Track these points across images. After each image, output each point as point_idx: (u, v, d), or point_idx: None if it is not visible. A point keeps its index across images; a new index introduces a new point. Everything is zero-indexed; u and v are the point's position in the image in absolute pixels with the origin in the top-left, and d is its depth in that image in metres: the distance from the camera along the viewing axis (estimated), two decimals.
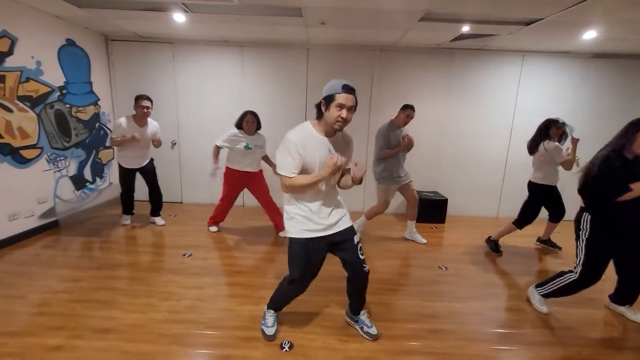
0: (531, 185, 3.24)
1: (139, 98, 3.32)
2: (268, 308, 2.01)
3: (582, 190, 2.10)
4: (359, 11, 2.91)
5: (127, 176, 3.59)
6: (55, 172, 3.58)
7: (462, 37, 3.63)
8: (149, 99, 3.37)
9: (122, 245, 3.28)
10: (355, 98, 1.61)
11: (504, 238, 3.46)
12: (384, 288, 2.59)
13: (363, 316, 2.02)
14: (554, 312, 2.32)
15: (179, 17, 3.29)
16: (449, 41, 3.86)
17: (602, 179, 1.97)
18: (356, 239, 1.83)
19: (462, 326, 2.15)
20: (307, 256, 1.76)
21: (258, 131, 3.41)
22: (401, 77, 4.35)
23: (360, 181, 1.75)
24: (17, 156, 3.13)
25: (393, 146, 3.23)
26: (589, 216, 2.07)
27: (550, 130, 3.08)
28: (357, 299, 1.99)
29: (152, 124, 3.52)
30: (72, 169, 3.83)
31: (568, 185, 3.20)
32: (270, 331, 1.93)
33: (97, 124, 4.20)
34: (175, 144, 4.60)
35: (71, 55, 3.74)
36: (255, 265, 2.97)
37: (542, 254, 3.43)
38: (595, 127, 4.20)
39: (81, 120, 3.92)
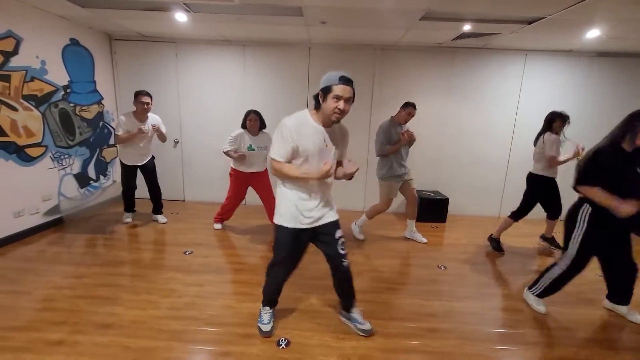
0: (530, 177, 3.26)
1: (138, 94, 3.35)
2: (263, 305, 2.04)
3: (576, 182, 2.09)
4: (358, 10, 2.91)
5: (128, 173, 3.62)
6: (59, 170, 3.64)
7: (464, 36, 3.62)
8: (148, 94, 3.39)
9: (125, 242, 3.32)
10: (353, 89, 1.61)
11: (504, 238, 3.45)
12: (382, 287, 2.61)
13: (355, 313, 2.04)
14: (552, 313, 2.32)
15: (180, 17, 3.32)
16: (450, 40, 3.84)
17: (588, 174, 2.00)
18: (338, 233, 1.85)
19: (460, 325, 2.15)
20: (292, 244, 1.82)
21: (263, 130, 3.42)
22: (402, 76, 4.34)
23: (350, 177, 1.79)
24: (22, 154, 3.18)
25: (394, 142, 3.23)
26: (590, 209, 2.04)
27: (555, 123, 3.08)
28: (344, 295, 2.02)
29: (153, 119, 3.53)
30: (76, 167, 3.89)
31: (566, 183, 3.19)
32: (266, 328, 1.95)
33: (101, 123, 4.24)
34: (177, 142, 4.64)
35: (75, 54, 3.78)
36: (256, 263, 3.00)
37: (542, 254, 3.41)
38: (598, 126, 4.13)
39: (85, 119, 3.97)
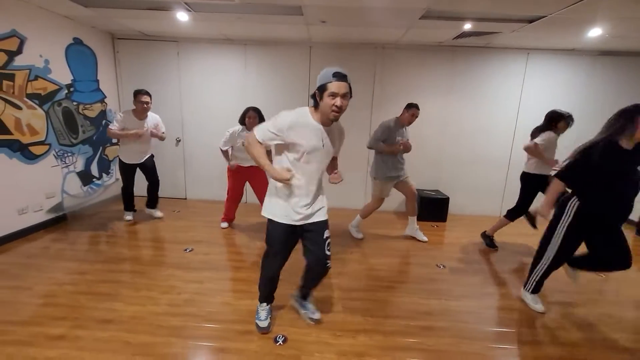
0: (524, 176, 3.24)
1: (137, 93, 3.36)
2: (260, 302, 2.06)
3: (562, 175, 2.11)
4: (358, 10, 2.92)
5: (127, 171, 3.65)
6: (63, 168, 3.68)
7: (465, 34, 3.61)
8: (147, 93, 3.41)
9: (127, 239, 3.36)
10: (349, 84, 1.60)
11: (504, 238, 3.45)
12: (380, 285, 2.62)
13: (310, 302, 2.12)
14: (550, 312, 2.32)
15: (182, 16, 3.34)
16: (451, 39, 3.83)
17: (573, 169, 2.04)
18: (326, 234, 1.86)
19: (456, 324, 2.16)
20: (283, 238, 1.84)
21: None
22: (403, 75, 4.34)
23: (334, 183, 1.87)
24: (26, 152, 3.22)
25: (390, 144, 3.23)
26: (577, 203, 2.06)
27: (560, 123, 3.05)
28: (309, 286, 2.06)
29: (153, 118, 3.56)
30: (80, 165, 3.93)
31: None
32: (263, 324, 1.97)
33: (104, 121, 4.28)
34: (179, 141, 4.67)
35: (78, 53, 3.82)
36: (255, 261, 3.02)
37: None
38: (601, 125, 4.12)
39: (88, 118, 4.02)
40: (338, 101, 1.57)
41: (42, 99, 3.36)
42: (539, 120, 3.29)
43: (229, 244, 3.37)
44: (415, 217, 3.60)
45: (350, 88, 1.62)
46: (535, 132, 3.19)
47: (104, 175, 4.37)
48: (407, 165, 3.45)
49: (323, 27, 3.53)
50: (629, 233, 3.63)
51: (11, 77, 3.03)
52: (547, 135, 3.03)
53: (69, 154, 3.76)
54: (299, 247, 1.93)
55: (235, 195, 3.65)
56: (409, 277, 2.84)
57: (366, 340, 1.96)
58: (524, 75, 4.27)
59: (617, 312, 2.37)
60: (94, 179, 4.19)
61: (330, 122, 1.69)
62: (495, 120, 4.41)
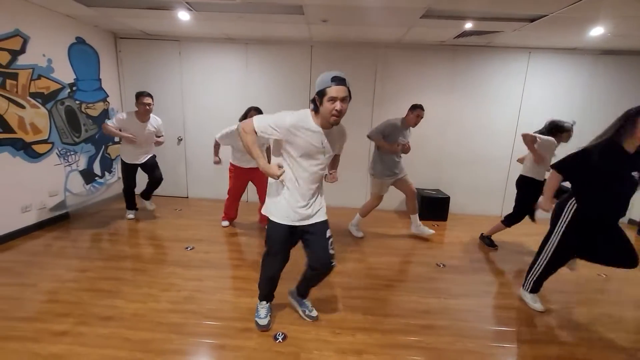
0: (520, 180, 3.21)
1: (139, 95, 3.37)
2: (260, 300, 2.08)
3: (558, 165, 2.11)
4: (358, 9, 2.92)
5: (128, 171, 3.68)
6: (65, 166, 3.72)
7: (466, 34, 3.60)
8: (149, 95, 3.42)
9: (128, 237, 3.39)
10: (347, 88, 1.61)
11: (504, 237, 3.45)
12: (380, 284, 2.63)
13: (308, 300, 2.13)
14: (549, 311, 2.33)
15: (183, 16, 3.36)
16: (452, 38, 3.83)
17: (568, 164, 2.05)
18: (328, 233, 1.87)
19: (456, 322, 2.17)
20: (284, 238, 1.85)
21: None
22: (405, 74, 4.33)
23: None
24: (29, 151, 3.26)
25: (391, 142, 3.23)
26: (575, 205, 2.06)
27: (563, 134, 3.01)
28: (309, 285, 2.07)
29: (155, 120, 3.58)
30: (82, 164, 3.97)
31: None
32: (263, 322, 1.99)
33: (106, 120, 4.30)
34: (181, 139, 4.70)
35: (81, 52, 3.85)
36: (255, 259, 3.03)
37: None
38: (604, 125, 4.10)
39: (91, 116, 4.05)
40: (338, 105, 1.59)
41: (45, 98, 3.39)
42: (541, 119, 3.27)
43: (229, 243, 3.39)
44: (417, 215, 3.60)
45: (349, 91, 1.63)
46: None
47: (106, 173, 4.41)
48: (407, 164, 3.46)
49: (324, 26, 3.53)
50: (631, 233, 3.62)
51: (15, 76, 3.06)
52: (547, 138, 2.99)
53: (72, 153, 3.79)
54: (299, 245, 1.95)
55: (235, 195, 3.67)
56: (409, 276, 2.85)
57: (365, 338, 1.97)
58: (525, 74, 4.26)
59: (616, 312, 2.37)
60: (96, 178, 4.22)
61: (330, 125, 1.70)
62: (496, 120, 4.40)
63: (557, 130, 3.00)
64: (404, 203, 3.74)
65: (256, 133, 1.72)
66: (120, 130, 3.41)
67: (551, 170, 2.15)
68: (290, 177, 1.77)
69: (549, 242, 2.20)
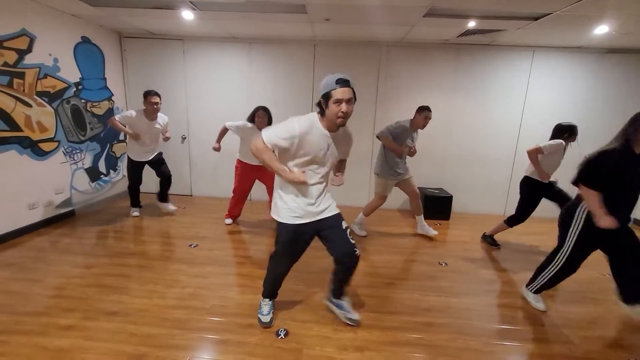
0: (525, 181, 3.18)
1: (147, 94, 3.42)
2: (263, 297, 2.10)
3: (578, 178, 2.03)
4: (361, 7, 2.93)
5: (134, 169, 3.72)
6: (71, 164, 3.77)
7: (469, 32, 3.59)
8: (157, 94, 3.46)
9: (133, 235, 3.43)
10: (352, 89, 1.62)
11: (507, 236, 3.44)
12: (382, 282, 2.64)
13: (345, 301, 2.08)
14: (552, 310, 2.33)
15: (187, 15, 3.38)
16: (455, 37, 3.82)
17: (590, 174, 1.96)
18: (344, 224, 1.88)
19: (457, 320, 2.18)
20: (294, 239, 1.86)
21: (269, 126, 3.46)
22: (408, 73, 4.33)
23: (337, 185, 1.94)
24: (36, 149, 3.30)
25: (398, 144, 3.24)
26: (586, 209, 2.03)
27: (572, 137, 2.98)
28: (341, 283, 2.04)
29: (162, 119, 3.63)
30: (88, 162, 4.02)
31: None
32: (265, 319, 2.01)
33: (115, 114, 4.35)
34: (185, 138, 4.74)
35: (86, 52, 3.89)
36: (258, 257, 3.07)
37: (544, 253, 3.37)
38: (610, 124, 4.04)
39: (96, 115, 4.09)
40: (344, 107, 1.60)
41: (51, 97, 3.44)
42: (544, 119, 3.27)
43: (232, 240, 3.41)
44: (422, 216, 3.62)
45: (354, 92, 1.64)
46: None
47: (111, 171, 4.45)
48: (410, 162, 3.46)
49: (327, 25, 3.54)
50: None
51: (21, 75, 3.10)
52: (554, 142, 2.96)
53: (78, 151, 3.84)
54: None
55: (241, 194, 3.69)
56: (411, 274, 2.86)
57: (366, 335, 1.99)
58: (529, 73, 4.24)
59: (619, 311, 2.35)
60: (101, 176, 4.27)
61: (337, 127, 1.71)
62: (499, 119, 4.39)
63: (566, 132, 2.98)
64: (407, 202, 3.75)
65: (269, 149, 1.69)
66: (125, 127, 3.45)
67: (581, 188, 2.00)
68: None
69: (562, 250, 2.14)
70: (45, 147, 3.41)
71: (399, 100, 4.35)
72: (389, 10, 2.98)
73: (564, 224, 2.15)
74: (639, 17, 2.89)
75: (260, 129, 3.34)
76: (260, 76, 4.49)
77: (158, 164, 3.78)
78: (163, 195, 3.96)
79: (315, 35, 4.07)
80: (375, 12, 3.04)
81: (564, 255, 2.14)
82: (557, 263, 2.18)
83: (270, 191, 3.60)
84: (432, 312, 2.26)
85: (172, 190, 4.06)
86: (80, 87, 3.80)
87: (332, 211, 1.88)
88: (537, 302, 2.34)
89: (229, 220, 3.80)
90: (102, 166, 4.27)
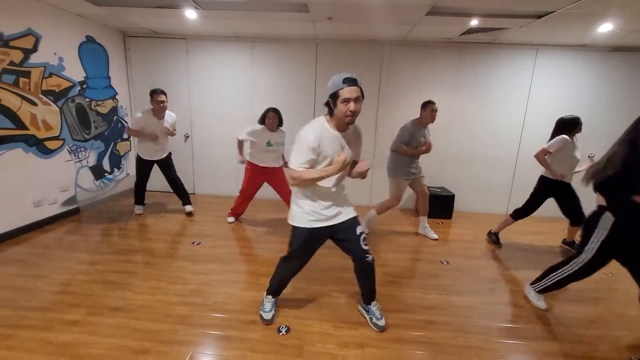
0: (542, 179, 3.19)
1: (154, 93, 3.45)
2: (267, 294, 2.12)
3: (604, 184, 1.93)
4: (363, 6, 2.93)
5: (143, 167, 3.76)
6: (76, 162, 3.81)
7: (472, 31, 3.58)
8: (163, 92, 3.49)
9: (137, 232, 3.46)
10: (360, 88, 1.63)
11: (510, 235, 3.44)
12: (384, 280, 2.65)
13: (374, 307, 2.07)
14: (552, 309, 2.33)
15: (190, 14, 3.40)
16: (458, 35, 3.81)
17: (629, 166, 1.81)
18: (359, 229, 1.88)
19: (457, 318, 2.18)
20: (308, 242, 1.88)
21: (280, 127, 3.48)
22: (410, 71, 4.33)
23: (363, 176, 1.84)
24: (41, 147, 3.34)
25: (414, 146, 3.24)
26: (613, 219, 1.94)
27: (576, 129, 2.98)
28: (366, 289, 2.05)
29: (170, 116, 3.66)
30: (92, 160, 4.06)
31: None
32: (267, 316, 2.03)
33: (115, 117, 4.40)
34: (188, 136, 4.76)
35: (91, 51, 3.93)
36: (260, 254, 3.09)
37: (546, 252, 3.38)
38: (614, 123, 4.04)
39: (100, 114, 4.13)
40: (352, 106, 1.61)
41: (56, 96, 3.47)
42: (547, 118, 3.26)
43: (235, 238, 3.44)
44: (426, 217, 3.62)
45: (361, 91, 1.64)
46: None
47: (115, 170, 4.49)
48: (419, 163, 3.46)
49: (329, 24, 3.55)
50: None
51: (27, 75, 3.14)
52: (557, 139, 2.95)
53: (82, 149, 3.88)
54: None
55: (248, 194, 3.70)
56: (413, 273, 2.86)
57: (366, 332, 2.00)
58: (532, 71, 4.22)
59: (621, 310, 2.35)
60: (105, 174, 4.31)
61: (346, 126, 1.72)
62: (502, 118, 4.37)
63: (568, 125, 2.98)
64: (410, 201, 3.75)
65: (303, 167, 1.68)
66: (142, 129, 3.50)
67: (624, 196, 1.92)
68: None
69: (580, 256, 2.09)
70: (51, 145, 3.45)
71: (400, 98, 4.35)
72: (391, 9, 2.98)
73: (587, 231, 2.08)
74: None
75: (271, 130, 3.36)
76: (263, 75, 4.50)
77: (166, 166, 3.81)
78: (182, 198, 3.98)
79: (317, 34, 4.07)
80: (377, 11, 3.04)
81: (581, 261, 2.08)
82: (572, 266, 2.13)
83: (281, 194, 3.63)
84: (433, 310, 2.27)
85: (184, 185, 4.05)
86: (84, 85, 3.84)
87: (348, 215, 1.88)
88: (538, 300, 2.34)
89: (231, 219, 3.82)
90: (106, 164, 4.31)
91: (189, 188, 4.92)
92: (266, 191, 3.78)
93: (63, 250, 2.93)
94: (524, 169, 4.40)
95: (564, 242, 3.50)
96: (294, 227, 1.88)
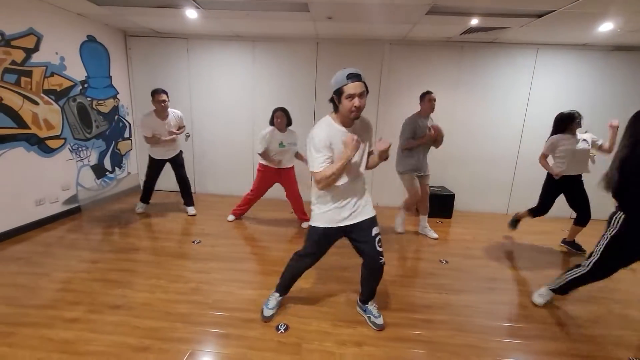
0: (546, 176, 3.24)
1: (154, 93, 3.46)
2: (275, 291, 2.13)
3: (619, 188, 1.91)
4: (363, 5, 2.93)
5: (153, 166, 3.78)
6: (77, 161, 3.83)
7: (472, 30, 3.58)
8: (164, 92, 3.50)
9: (138, 231, 3.48)
10: (364, 83, 1.63)
11: (512, 235, 3.42)
12: (383, 279, 2.59)
13: (371, 306, 2.09)
14: (551, 308, 2.33)
15: (191, 14, 3.41)
16: (459, 34, 3.81)
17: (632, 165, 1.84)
18: (375, 231, 1.88)
19: (454, 317, 2.19)
20: (322, 240, 1.90)
21: (289, 127, 3.48)
22: (410, 70, 4.33)
23: (386, 156, 1.78)
24: (43, 146, 3.36)
25: (419, 137, 3.24)
26: (623, 215, 1.95)
27: (573, 124, 3.01)
28: (368, 289, 2.06)
29: (175, 114, 3.66)
30: (93, 159, 4.08)
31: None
32: (268, 312, 2.05)
33: (116, 117, 4.42)
34: (189, 136, 4.78)
35: (92, 50, 3.94)
36: (260, 253, 3.11)
37: (546, 252, 3.38)
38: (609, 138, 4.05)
39: (101, 113, 4.15)
40: (357, 101, 1.61)
41: (57, 95, 3.49)
42: (548, 118, 3.26)
43: (235, 237, 3.45)
44: (426, 216, 3.63)
45: (366, 86, 1.65)
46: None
47: (117, 169, 4.51)
48: (427, 161, 3.47)
49: (330, 23, 3.55)
50: None
51: (29, 74, 3.16)
52: (547, 142, 3.06)
53: (83, 148, 3.90)
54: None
55: (257, 194, 3.71)
56: (412, 272, 2.87)
57: (365, 330, 2.01)
58: (532, 71, 4.21)
59: (622, 310, 2.36)
60: (107, 173, 4.33)
61: (352, 121, 1.73)
62: (503, 117, 4.37)
63: (565, 121, 3.01)
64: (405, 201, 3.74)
65: (322, 167, 1.70)
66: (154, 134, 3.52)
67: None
68: None
69: (593, 253, 2.10)
70: (52, 144, 3.47)
71: (400, 95, 4.35)
72: (391, 8, 2.99)
73: (604, 233, 2.07)
74: None
75: (280, 130, 3.37)
76: (264, 74, 4.51)
77: (177, 164, 3.82)
78: (186, 198, 3.99)
79: (318, 34, 4.08)
80: (377, 10, 3.04)
81: (593, 259, 2.08)
82: (586, 265, 2.11)
83: (289, 195, 3.65)
84: (431, 309, 2.27)
85: (176, 187, 4.08)
86: (86, 85, 3.86)
87: (365, 215, 1.88)
88: (539, 296, 2.32)
89: (231, 217, 3.83)
90: (107, 163, 4.32)
91: None
92: (267, 192, 3.79)
93: (64, 249, 2.95)
94: (524, 168, 4.40)
95: (564, 241, 3.50)
96: (310, 226, 1.91)
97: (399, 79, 4.35)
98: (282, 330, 1.97)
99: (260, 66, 4.49)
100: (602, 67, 4.13)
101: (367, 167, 1.92)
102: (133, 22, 3.92)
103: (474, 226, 4.03)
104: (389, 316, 2.15)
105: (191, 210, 3.99)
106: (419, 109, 3.32)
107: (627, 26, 3.20)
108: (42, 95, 3.32)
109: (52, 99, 3.43)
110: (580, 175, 3.13)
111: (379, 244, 1.88)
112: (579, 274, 2.15)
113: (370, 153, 1.93)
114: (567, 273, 2.23)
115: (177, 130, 3.70)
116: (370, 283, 2.03)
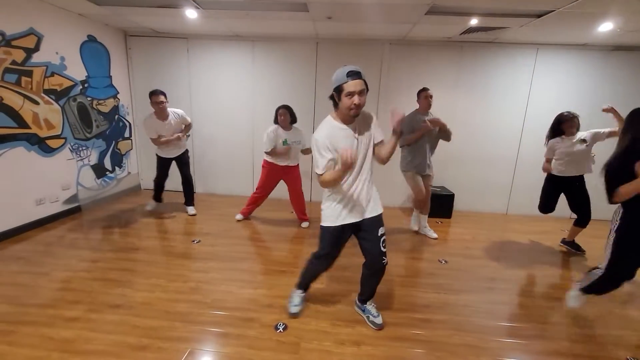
0: (547, 174, 3.29)
1: (152, 94, 3.45)
2: (297, 288, 2.15)
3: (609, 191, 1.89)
4: (362, 5, 2.94)
5: (161, 164, 3.79)
6: (77, 161, 3.84)
7: (472, 30, 3.58)
8: (162, 93, 3.48)
9: (138, 230, 3.49)
10: (364, 81, 1.63)
11: (508, 235, 3.43)
12: (382, 278, 2.65)
13: (370, 306, 2.09)
14: (551, 308, 2.33)
15: (190, 14, 3.42)
16: (458, 34, 3.80)
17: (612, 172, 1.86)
18: (380, 230, 1.89)
19: (453, 317, 2.19)
20: (333, 239, 1.91)
21: (294, 125, 3.48)
22: (410, 70, 4.32)
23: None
24: (43, 146, 3.37)
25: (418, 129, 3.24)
26: (622, 210, 1.94)
27: (563, 125, 3.04)
28: (368, 288, 2.06)
29: (175, 114, 3.65)
30: (93, 159, 4.08)
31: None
32: (294, 309, 2.08)
33: (117, 116, 4.43)
34: (189, 136, 4.77)
35: (92, 50, 3.95)
36: (260, 252, 3.11)
37: (545, 252, 3.38)
38: (615, 123, 4.04)
39: (102, 113, 4.16)
40: (356, 99, 1.62)
41: (58, 95, 3.50)
42: (548, 116, 3.27)
43: (234, 237, 3.45)
44: (427, 216, 3.63)
45: (366, 84, 1.65)
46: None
47: (117, 168, 4.52)
48: (432, 161, 3.48)
49: (329, 23, 3.55)
50: None
51: (29, 74, 3.17)
52: (548, 145, 3.14)
53: (84, 148, 3.91)
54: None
55: (263, 192, 3.72)
56: (411, 271, 2.87)
57: (363, 330, 2.01)
58: (532, 71, 4.21)
59: (623, 311, 2.35)
60: (107, 172, 4.34)
61: (352, 118, 1.73)
62: (502, 117, 4.36)
63: (559, 124, 3.07)
64: (409, 200, 3.75)
65: (325, 171, 1.73)
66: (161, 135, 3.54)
67: (616, 196, 1.86)
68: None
69: (605, 254, 2.04)
70: (52, 143, 3.48)
71: (400, 94, 4.35)
72: (390, 8, 2.99)
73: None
74: None
75: (284, 127, 3.38)
76: (264, 74, 4.51)
77: (181, 163, 3.83)
78: (187, 198, 4.00)
79: (317, 34, 4.08)
80: (377, 10, 3.05)
81: (605, 262, 2.02)
82: (602, 269, 2.05)
83: (292, 193, 3.66)
84: (430, 308, 2.28)
85: (176, 187, 4.09)
86: (86, 85, 3.87)
87: (374, 211, 1.89)
88: (571, 298, 2.21)
89: (239, 216, 3.83)
90: (107, 163, 4.33)
91: None
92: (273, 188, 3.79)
93: (64, 248, 2.96)
94: (524, 168, 4.40)
95: (564, 241, 3.49)
96: (321, 227, 1.92)
97: (399, 79, 4.35)
98: (281, 329, 1.98)
99: (260, 66, 4.50)
100: (602, 67, 4.13)
101: (383, 158, 1.84)
102: (133, 22, 3.93)
103: (473, 226, 4.03)
104: (388, 316, 2.15)
105: (191, 210, 4.00)
106: (418, 107, 3.34)
107: (627, 26, 3.20)
108: (43, 95, 3.33)
109: (52, 98, 3.43)
110: (581, 176, 3.13)
111: (383, 245, 1.88)
112: (597, 277, 2.07)
113: (380, 143, 1.86)
114: (588, 275, 2.17)
115: (184, 127, 3.72)
116: (371, 282, 2.04)
